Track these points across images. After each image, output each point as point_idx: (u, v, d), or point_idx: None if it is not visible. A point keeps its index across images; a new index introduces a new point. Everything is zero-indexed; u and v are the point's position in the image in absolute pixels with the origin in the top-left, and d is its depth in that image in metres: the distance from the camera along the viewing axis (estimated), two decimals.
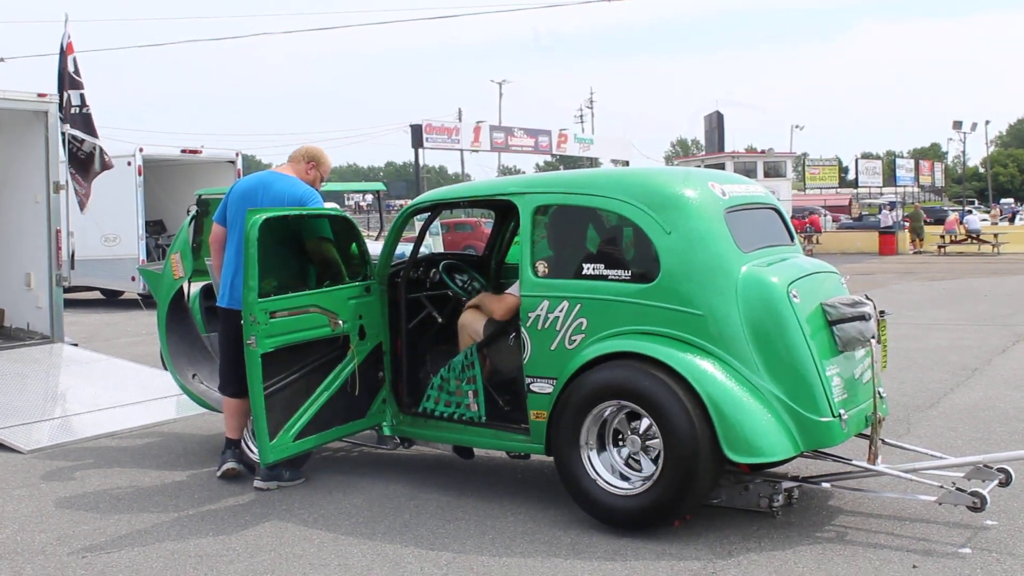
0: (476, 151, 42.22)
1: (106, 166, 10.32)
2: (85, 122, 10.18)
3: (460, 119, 51.98)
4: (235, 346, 5.90)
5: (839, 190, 62.45)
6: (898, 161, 64.52)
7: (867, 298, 5.31)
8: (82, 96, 10.19)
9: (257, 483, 6.05)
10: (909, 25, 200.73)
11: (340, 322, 5.83)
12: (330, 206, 6.56)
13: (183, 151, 19.45)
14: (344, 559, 4.89)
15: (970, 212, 44.90)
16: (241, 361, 5.62)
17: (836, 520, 5.24)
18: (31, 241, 10.29)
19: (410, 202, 6.53)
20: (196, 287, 7.37)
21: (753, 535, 5.01)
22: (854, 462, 5.24)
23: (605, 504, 5.11)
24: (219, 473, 6.26)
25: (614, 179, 5.71)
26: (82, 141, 10.11)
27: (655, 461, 5.03)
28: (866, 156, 76.77)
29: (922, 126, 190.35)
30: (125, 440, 7.54)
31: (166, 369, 7.61)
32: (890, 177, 61.71)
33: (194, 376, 7.17)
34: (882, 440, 5.33)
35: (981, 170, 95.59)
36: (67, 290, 10.64)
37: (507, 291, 5.93)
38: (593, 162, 47.98)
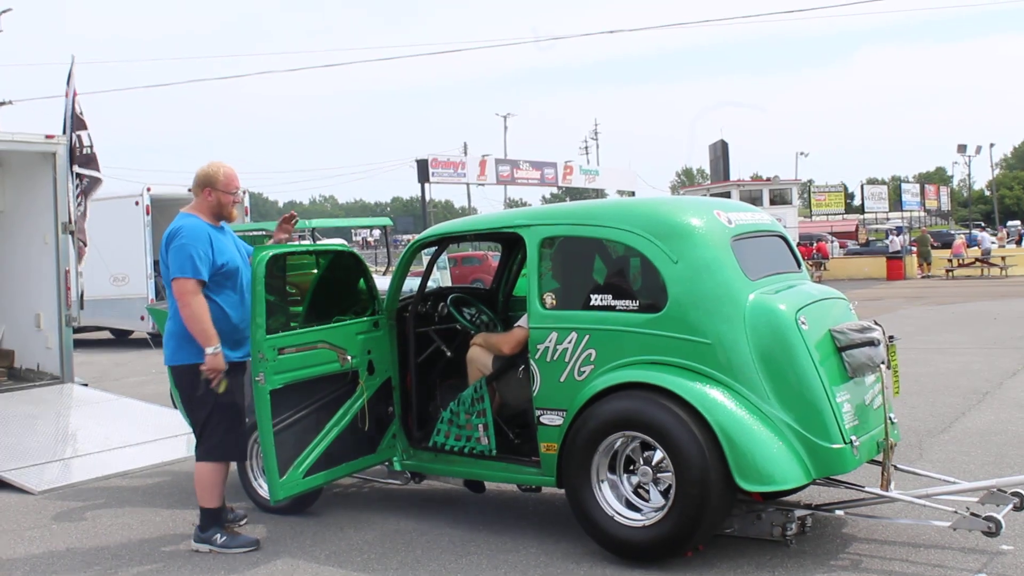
0: (482, 184, 42.22)
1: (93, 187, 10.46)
2: (90, 161, 10.32)
3: (466, 153, 52.10)
4: (190, 405, 5.67)
5: (845, 216, 62.35)
6: (903, 186, 64.47)
7: (876, 323, 5.31)
8: (89, 136, 10.33)
9: (193, 544, 5.72)
10: (911, 50, 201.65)
11: (349, 357, 5.83)
12: (338, 242, 6.57)
13: (190, 190, 19.49)
14: None
15: (979, 229, 44.74)
16: (199, 420, 5.57)
17: (850, 548, 5.21)
18: (40, 282, 10.35)
19: (417, 236, 6.55)
20: None
21: (767, 564, 4.98)
22: (867, 488, 5.22)
23: (617, 536, 5.08)
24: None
25: (620, 209, 5.73)
26: (83, 176, 10.23)
27: (666, 492, 5.00)
28: (871, 181, 76.70)
29: (927, 150, 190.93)
30: (136, 479, 7.54)
31: (176, 408, 7.61)
32: (896, 202, 61.65)
33: None
34: (894, 466, 5.30)
35: (987, 193, 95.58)
36: (76, 330, 10.66)
37: (516, 324, 5.94)
38: (599, 193, 47.99)
